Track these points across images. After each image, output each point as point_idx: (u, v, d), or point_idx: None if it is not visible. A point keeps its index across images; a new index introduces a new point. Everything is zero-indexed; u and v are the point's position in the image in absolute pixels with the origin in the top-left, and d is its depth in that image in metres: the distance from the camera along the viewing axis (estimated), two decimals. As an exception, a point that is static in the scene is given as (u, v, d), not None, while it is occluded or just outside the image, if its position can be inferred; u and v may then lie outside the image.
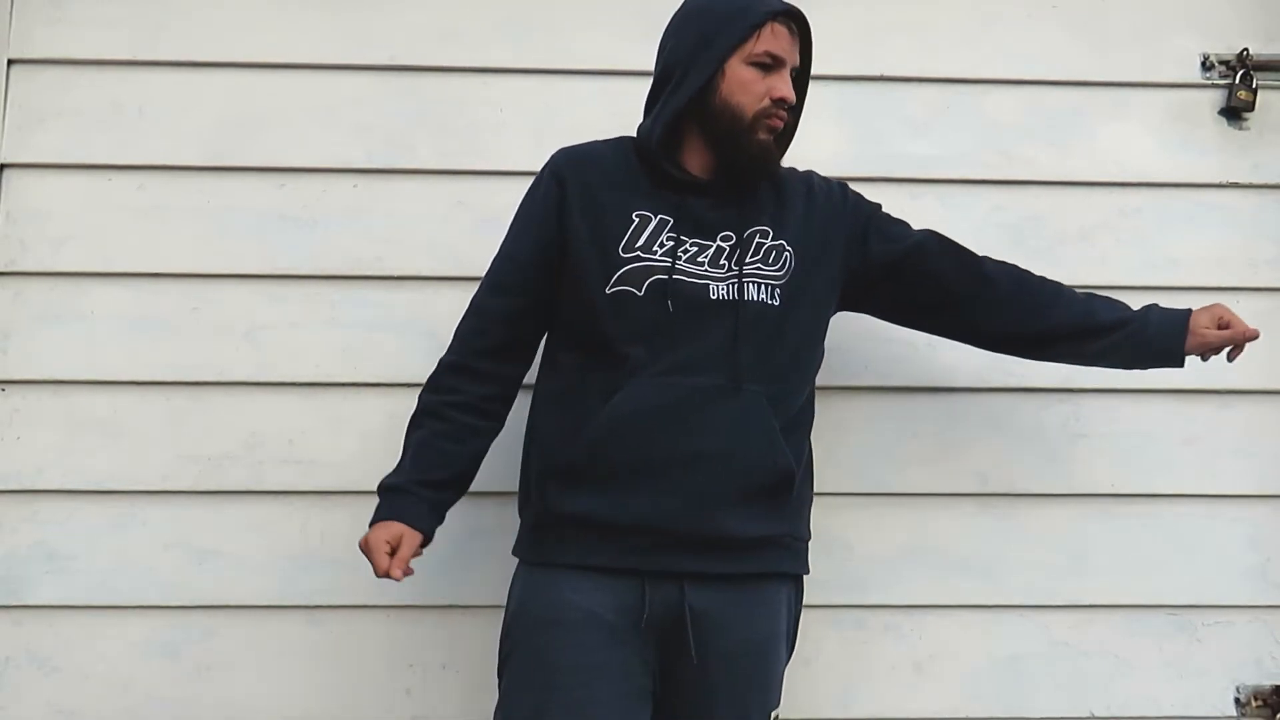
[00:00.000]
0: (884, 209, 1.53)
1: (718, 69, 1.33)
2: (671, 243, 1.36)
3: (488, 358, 1.43)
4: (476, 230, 1.78)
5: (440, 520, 1.44)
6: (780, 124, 1.38)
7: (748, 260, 1.37)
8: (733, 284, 1.35)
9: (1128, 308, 1.52)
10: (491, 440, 1.47)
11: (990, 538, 1.79)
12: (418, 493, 1.40)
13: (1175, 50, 1.89)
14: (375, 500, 1.72)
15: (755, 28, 1.33)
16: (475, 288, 1.74)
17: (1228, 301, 1.81)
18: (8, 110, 1.78)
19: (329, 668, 1.72)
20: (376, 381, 1.76)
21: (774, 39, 1.33)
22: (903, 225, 1.51)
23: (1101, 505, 1.80)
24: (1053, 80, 1.88)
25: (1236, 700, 1.78)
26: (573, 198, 1.41)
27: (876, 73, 1.87)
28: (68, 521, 1.71)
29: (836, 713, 1.75)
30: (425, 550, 1.76)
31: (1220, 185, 1.87)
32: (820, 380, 1.78)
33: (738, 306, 1.34)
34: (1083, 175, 1.86)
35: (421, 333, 1.77)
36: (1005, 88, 1.88)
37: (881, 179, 1.84)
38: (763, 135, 1.36)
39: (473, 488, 1.73)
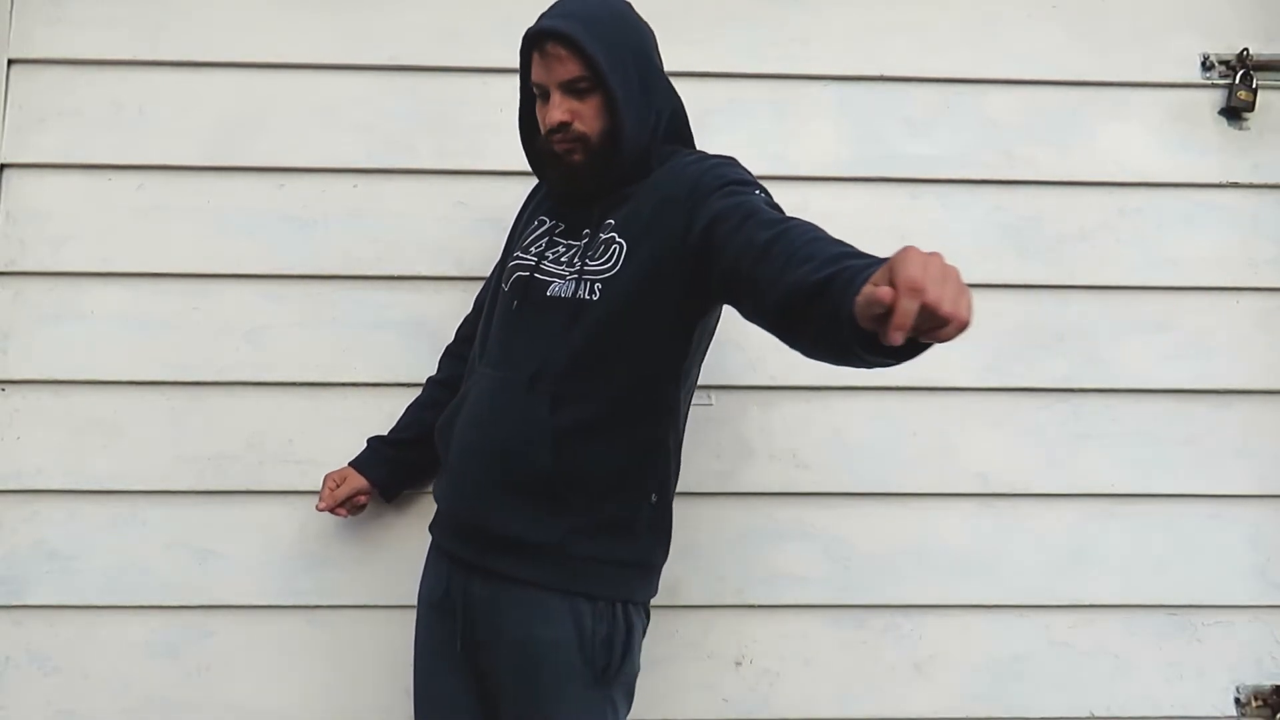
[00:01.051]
0: (739, 187, 1.25)
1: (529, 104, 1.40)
2: (545, 243, 1.40)
3: (463, 342, 1.66)
4: (476, 230, 1.79)
5: (396, 474, 1.66)
6: (565, 146, 1.32)
7: (587, 256, 1.33)
8: (569, 281, 1.32)
9: (859, 260, 1.01)
10: None
11: (990, 538, 1.79)
12: (378, 448, 1.66)
13: (1175, 50, 1.89)
14: (374, 501, 1.74)
15: (526, 65, 1.35)
16: (475, 287, 1.74)
17: (1227, 302, 1.84)
18: (8, 110, 1.78)
19: (329, 668, 1.72)
20: (376, 381, 1.76)
21: (535, 69, 1.33)
22: (728, 199, 1.23)
23: (1101, 505, 1.80)
24: (1053, 80, 1.88)
25: (1236, 700, 1.78)
26: (525, 201, 1.57)
27: (876, 73, 1.87)
28: (68, 521, 1.72)
29: (836, 713, 1.75)
30: (428, 550, 1.77)
31: (1220, 185, 1.87)
32: (820, 380, 1.79)
33: (561, 304, 1.31)
34: (1083, 175, 1.86)
35: (421, 333, 1.77)
36: (1005, 88, 1.88)
37: (881, 179, 1.84)
38: (564, 160, 1.34)
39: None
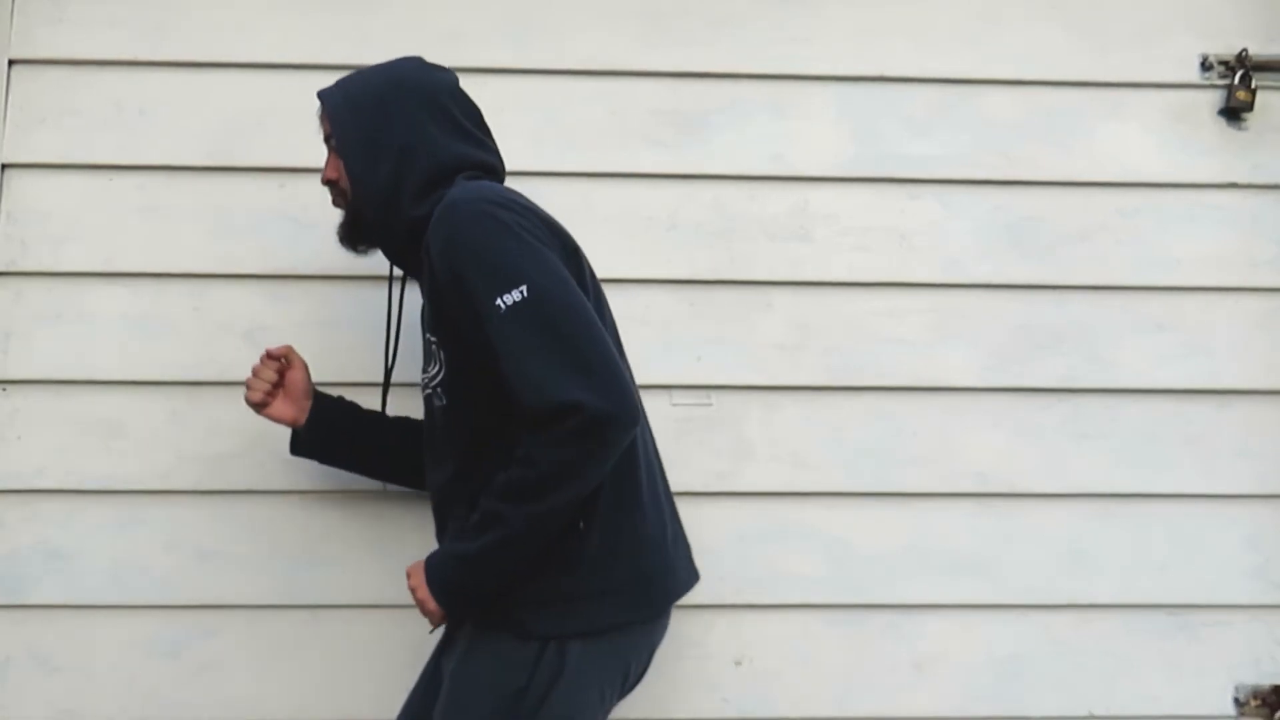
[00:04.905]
0: (498, 316, 1.19)
1: None
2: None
3: None
4: (477, 230, 1.78)
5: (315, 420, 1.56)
6: (336, 203, 1.43)
7: (427, 366, 1.39)
8: (429, 395, 1.39)
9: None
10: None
11: (990, 538, 1.79)
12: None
13: (1175, 50, 1.89)
14: (375, 501, 1.73)
15: None
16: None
17: (1227, 302, 1.84)
18: (8, 110, 1.78)
19: (329, 668, 1.72)
20: (376, 381, 1.75)
21: None
22: (499, 345, 1.21)
23: (1101, 505, 1.80)
24: (1053, 80, 1.88)
25: (1236, 700, 1.78)
26: None
27: (876, 73, 1.87)
28: (68, 521, 1.71)
29: (836, 713, 1.75)
30: (428, 550, 1.77)
31: (1220, 185, 1.87)
32: (820, 380, 1.80)
33: (434, 414, 1.39)
34: (1083, 175, 1.86)
35: (421, 332, 1.76)
36: (1005, 88, 1.88)
37: (881, 179, 1.85)
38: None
39: (473, 488, 1.72)
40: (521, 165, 1.75)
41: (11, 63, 1.78)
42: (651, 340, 1.78)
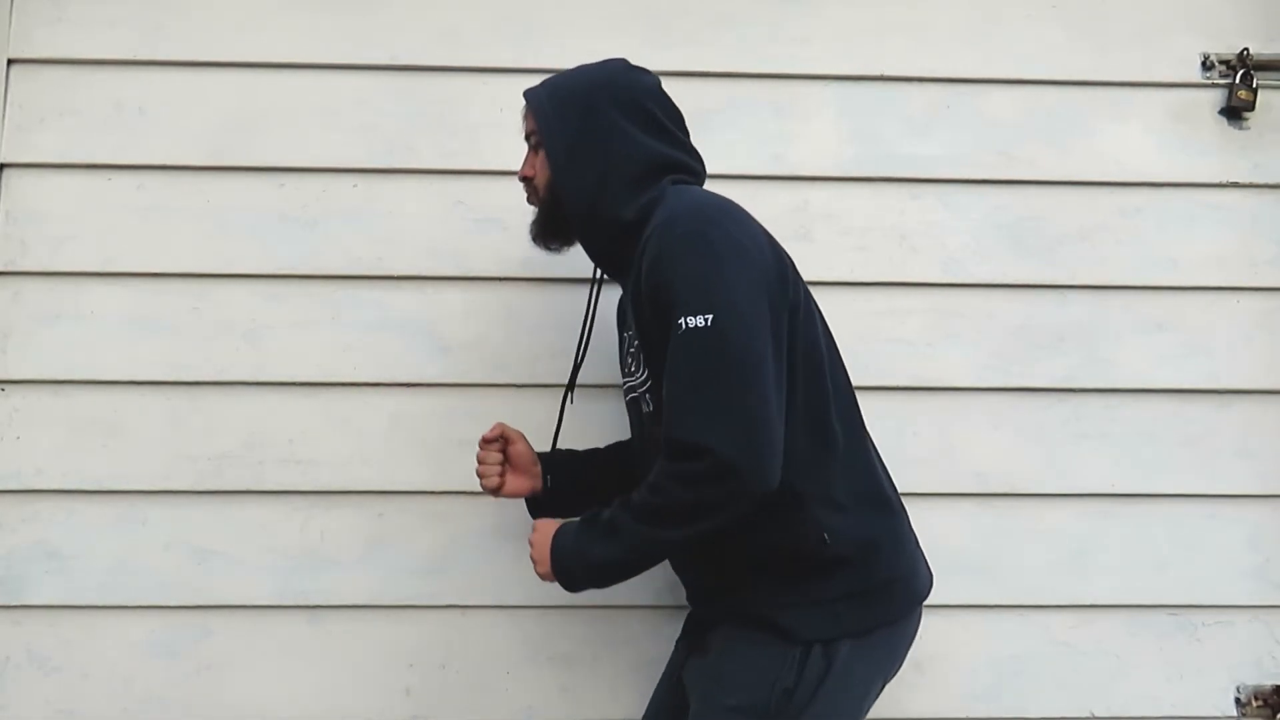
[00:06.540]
0: (679, 344, 1.20)
1: None
2: (622, 354, 1.47)
3: None
4: (476, 230, 1.79)
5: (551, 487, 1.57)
6: (529, 197, 1.45)
7: (631, 371, 1.38)
8: (639, 398, 1.37)
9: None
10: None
11: (990, 538, 1.79)
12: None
13: (1175, 50, 1.89)
14: (374, 499, 1.73)
15: None
16: (475, 287, 1.75)
17: (1227, 302, 1.84)
18: (8, 110, 1.78)
19: (329, 668, 1.72)
20: (376, 381, 1.76)
21: None
22: (670, 366, 1.23)
23: (1101, 505, 1.80)
24: (1053, 80, 1.88)
25: (1237, 700, 1.78)
26: None
27: (876, 73, 1.87)
28: (68, 521, 1.71)
29: (836, 713, 1.75)
30: (428, 550, 1.76)
31: (1220, 185, 1.87)
32: (820, 380, 1.79)
33: (647, 418, 1.36)
34: (1083, 175, 1.86)
35: (421, 333, 1.77)
36: (1005, 88, 1.88)
37: (881, 179, 1.85)
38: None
39: (471, 489, 1.73)
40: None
41: (11, 62, 1.78)
42: (651, 340, 1.78)
